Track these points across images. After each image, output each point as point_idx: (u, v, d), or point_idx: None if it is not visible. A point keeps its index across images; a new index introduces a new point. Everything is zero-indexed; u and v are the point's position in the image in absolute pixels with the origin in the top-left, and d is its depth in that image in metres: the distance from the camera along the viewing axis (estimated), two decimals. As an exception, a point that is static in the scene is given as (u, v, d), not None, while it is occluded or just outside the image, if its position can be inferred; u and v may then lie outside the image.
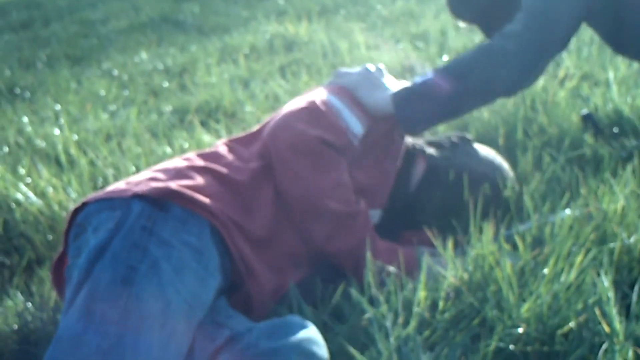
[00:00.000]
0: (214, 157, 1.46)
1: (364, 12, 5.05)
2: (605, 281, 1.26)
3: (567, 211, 1.50)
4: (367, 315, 1.29)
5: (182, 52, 4.40)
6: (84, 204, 1.32)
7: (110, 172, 2.22)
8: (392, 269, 1.40)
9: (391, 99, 1.56)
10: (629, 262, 1.41)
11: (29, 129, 2.86)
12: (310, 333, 1.16)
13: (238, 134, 1.59)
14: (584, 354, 1.20)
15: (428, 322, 1.29)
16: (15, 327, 1.52)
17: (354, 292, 1.33)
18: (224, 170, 1.40)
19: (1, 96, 3.83)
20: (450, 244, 1.40)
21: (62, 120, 2.95)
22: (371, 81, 1.60)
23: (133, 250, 1.17)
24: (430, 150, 1.66)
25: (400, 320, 1.26)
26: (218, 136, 2.54)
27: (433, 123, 1.62)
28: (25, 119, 3.08)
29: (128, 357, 1.07)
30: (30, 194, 2.02)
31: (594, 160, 1.93)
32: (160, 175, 1.35)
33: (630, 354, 1.15)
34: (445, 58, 3.28)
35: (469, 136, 1.72)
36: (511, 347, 1.23)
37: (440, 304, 1.31)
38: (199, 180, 1.35)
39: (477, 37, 3.58)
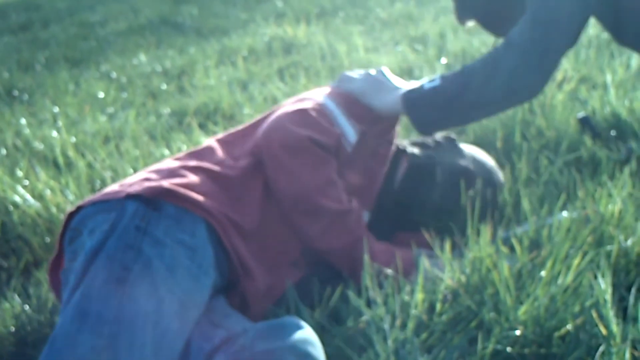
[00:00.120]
0: (205, 155, 1.47)
1: (362, 14, 5.06)
2: (603, 284, 1.26)
3: (565, 213, 1.50)
4: (364, 318, 1.29)
5: (180, 54, 4.40)
6: (79, 208, 1.32)
7: (108, 174, 2.22)
8: (389, 271, 1.40)
9: (401, 101, 1.57)
10: (626, 264, 1.41)
11: (27, 131, 2.86)
12: (307, 334, 1.16)
13: (229, 131, 1.60)
14: (581, 356, 1.20)
15: (425, 324, 1.29)
16: (13, 329, 1.52)
17: (351, 294, 1.33)
18: (216, 168, 1.42)
19: (-1, 98, 3.83)
20: (447, 246, 1.40)
21: (60, 123, 2.95)
22: (376, 85, 1.62)
23: (127, 251, 1.18)
24: (413, 150, 1.68)
25: (398, 322, 1.26)
26: (216, 138, 2.54)
27: (444, 127, 1.63)
28: (24, 121, 3.08)
29: (122, 357, 1.07)
30: (28, 197, 2.02)
31: (592, 163, 1.93)
32: (153, 175, 1.36)
33: (627, 356, 1.16)
34: (444, 61, 3.28)
35: (454, 136, 1.73)
36: (508, 349, 1.24)
37: (438, 307, 1.31)
38: (192, 178, 1.36)
39: (476, 40, 3.58)
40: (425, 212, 1.62)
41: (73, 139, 2.67)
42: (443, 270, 1.38)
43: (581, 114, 2.14)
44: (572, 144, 2.03)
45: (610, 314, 1.21)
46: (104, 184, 2.18)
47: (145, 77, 3.94)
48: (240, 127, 1.59)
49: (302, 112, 1.48)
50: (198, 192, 1.33)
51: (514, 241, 1.40)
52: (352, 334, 1.30)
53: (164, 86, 3.65)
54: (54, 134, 2.77)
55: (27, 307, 1.57)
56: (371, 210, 1.63)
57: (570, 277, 1.29)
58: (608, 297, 1.24)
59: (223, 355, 1.14)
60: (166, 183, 1.31)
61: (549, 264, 1.32)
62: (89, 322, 1.09)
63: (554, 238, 1.41)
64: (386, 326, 1.24)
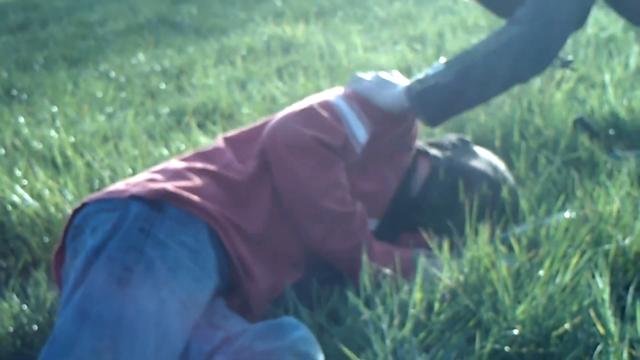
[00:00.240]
0: (212, 157, 1.46)
1: (361, 14, 5.06)
2: (600, 283, 1.26)
3: (566, 214, 1.50)
4: (363, 317, 1.29)
5: (179, 53, 4.40)
6: (84, 205, 1.32)
7: (106, 174, 2.22)
8: (388, 271, 1.40)
9: (404, 94, 1.55)
10: (624, 264, 1.41)
11: (25, 130, 2.86)
12: (305, 334, 1.16)
13: (238, 130, 1.58)
14: (579, 355, 1.20)
15: (424, 324, 1.29)
16: (11, 329, 1.52)
17: (350, 294, 1.33)
18: (222, 171, 1.41)
19: (-2, 98, 3.83)
20: (446, 245, 1.40)
21: (59, 122, 2.94)
22: (383, 84, 1.60)
23: (129, 252, 1.18)
24: (434, 152, 1.66)
25: (396, 322, 1.26)
26: (215, 138, 2.53)
27: (452, 113, 1.60)
28: (22, 121, 3.08)
29: (123, 358, 1.07)
30: (27, 196, 2.02)
31: (590, 162, 1.94)
32: (158, 177, 1.36)
33: (625, 355, 1.16)
34: (443, 60, 3.27)
35: (468, 138, 1.72)
36: (506, 348, 1.24)
37: (436, 306, 1.31)
38: (197, 181, 1.36)
39: (474, 39, 3.58)
40: (447, 216, 1.59)
41: (72, 139, 2.67)
42: (441, 270, 1.38)
43: (576, 115, 2.14)
44: (571, 143, 2.03)
45: (608, 313, 1.21)
46: (102, 183, 2.18)
47: (144, 76, 3.94)
48: (249, 126, 1.58)
49: (309, 111, 1.47)
50: (202, 196, 1.32)
51: (513, 241, 1.40)
52: (350, 334, 1.30)
53: (163, 85, 3.65)
54: (53, 133, 2.76)
55: (25, 307, 1.57)
56: (380, 217, 1.60)
57: (568, 277, 1.29)
58: (606, 296, 1.24)
59: (222, 356, 1.15)
60: (170, 185, 1.31)
61: (547, 263, 1.32)
62: (89, 322, 1.09)
63: (552, 237, 1.41)
64: (384, 326, 1.24)
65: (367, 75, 1.66)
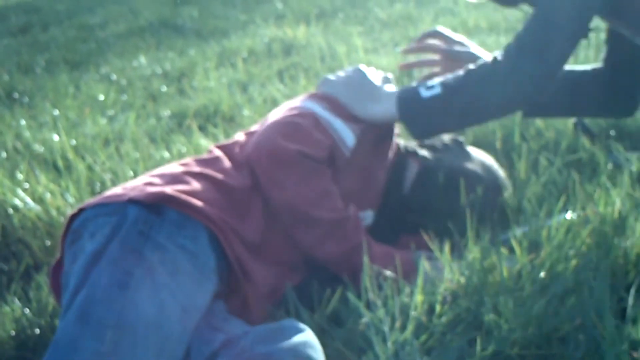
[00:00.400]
0: (210, 162, 1.47)
1: (362, 15, 5.06)
2: (602, 285, 1.26)
3: (567, 215, 1.50)
4: (364, 320, 1.30)
5: (180, 56, 4.41)
6: (81, 210, 1.32)
7: (108, 177, 2.22)
8: (389, 273, 1.40)
9: (399, 111, 1.53)
10: (624, 265, 1.41)
11: (27, 134, 2.87)
12: (306, 337, 1.16)
13: (234, 137, 1.59)
14: (580, 357, 1.20)
15: (425, 326, 1.29)
16: (13, 333, 1.52)
17: (351, 296, 1.33)
18: (219, 176, 1.41)
19: (-1, 101, 3.84)
20: (447, 247, 1.40)
21: (60, 125, 2.95)
22: (360, 91, 1.57)
23: (129, 255, 1.18)
24: (423, 152, 1.67)
25: (398, 324, 1.26)
26: (216, 140, 2.54)
27: (443, 133, 1.61)
28: (23, 124, 3.08)
29: (124, 362, 1.07)
30: (28, 200, 2.02)
31: (591, 164, 1.93)
32: (156, 180, 1.36)
33: (626, 357, 1.16)
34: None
35: (462, 139, 1.73)
36: (508, 350, 1.24)
37: (438, 308, 1.31)
38: (195, 185, 1.36)
39: (475, 41, 3.58)
40: (437, 215, 1.61)
41: (73, 142, 2.68)
42: (442, 272, 1.38)
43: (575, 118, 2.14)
44: (572, 144, 2.03)
45: (609, 315, 1.21)
46: (104, 186, 2.18)
47: (145, 79, 3.94)
48: (241, 133, 1.58)
49: (292, 124, 1.46)
50: (200, 199, 1.32)
51: (514, 242, 1.40)
52: (351, 336, 1.30)
53: (164, 88, 3.65)
54: (54, 136, 2.77)
55: (27, 310, 1.57)
56: (375, 209, 1.61)
57: (569, 278, 1.29)
58: (607, 298, 1.24)
59: (223, 359, 1.15)
60: (169, 189, 1.31)
61: (548, 265, 1.32)
62: (91, 326, 1.09)
63: (553, 239, 1.41)
64: (386, 328, 1.24)
65: (335, 77, 1.63)
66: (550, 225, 1.44)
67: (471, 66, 1.55)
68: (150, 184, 1.35)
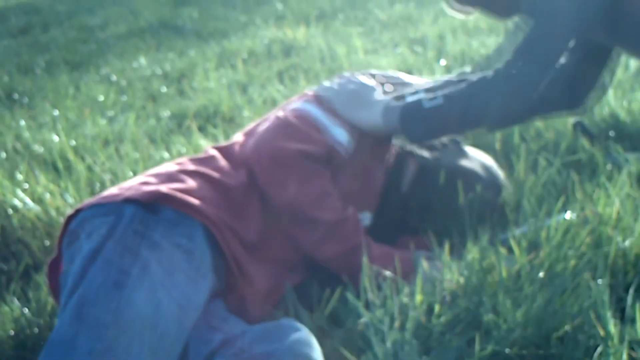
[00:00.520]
0: (205, 161, 1.47)
1: (362, 16, 5.06)
2: (600, 285, 1.26)
3: (566, 215, 1.50)
4: (363, 320, 1.30)
5: (180, 57, 4.41)
6: (78, 211, 1.32)
7: (107, 177, 2.22)
8: (388, 273, 1.40)
9: (400, 120, 1.53)
10: (624, 265, 1.41)
11: (26, 134, 2.87)
12: (305, 336, 1.16)
13: (232, 139, 1.59)
14: (579, 357, 1.20)
15: (424, 326, 1.29)
16: (12, 333, 1.52)
17: (350, 297, 1.33)
18: (215, 174, 1.41)
19: (-1, 102, 3.84)
20: (446, 247, 1.40)
21: (60, 126, 2.95)
22: (355, 100, 1.57)
23: (125, 254, 1.18)
24: (421, 152, 1.67)
25: (397, 324, 1.26)
26: (216, 141, 2.54)
27: (438, 138, 1.63)
28: (23, 124, 3.08)
29: (120, 360, 1.07)
30: (28, 200, 2.02)
31: (590, 164, 1.94)
32: (152, 179, 1.37)
33: (625, 357, 1.16)
34: (443, 62, 3.28)
35: (459, 139, 1.73)
36: (507, 350, 1.24)
37: (437, 308, 1.31)
38: (191, 183, 1.36)
39: (475, 42, 3.58)
40: (436, 215, 1.61)
41: (73, 142, 2.68)
42: (441, 272, 1.39)
43: (575, 119, 2.14)
44: (571, 145, 2.03)
45: (608, 315, 1.21)
46: (103, 187, 2.18)
47: (145, 80, 3.94)
48: (239, 133, 1.59)
49: (291, 125, 1.47)
50: (196, 197, 1.33)
51: (513, 242, 1.40)
52: (350, 336, 1.30)
53: (164, 89, 3.66)
54: (54, 137, 2.77)
55: (26, 310, 1.57)
56: (373, 210, 1.62)
57: (568, 278, 1.29)
58: (606, 298, 1.24)
59: (221, 358, 1.15)
60: (164, 187, 1.31)
61: (547, 265, 1.32)
62: (87, 325, 1.10)
63: (552, 239, 1.41)
64: (385, 328, 1.24)
65: (332, 83, 1.63)
66: (550, 226, 1.44)
67: (473, 78, 1.56)
68: (145, 183, 1.35)
